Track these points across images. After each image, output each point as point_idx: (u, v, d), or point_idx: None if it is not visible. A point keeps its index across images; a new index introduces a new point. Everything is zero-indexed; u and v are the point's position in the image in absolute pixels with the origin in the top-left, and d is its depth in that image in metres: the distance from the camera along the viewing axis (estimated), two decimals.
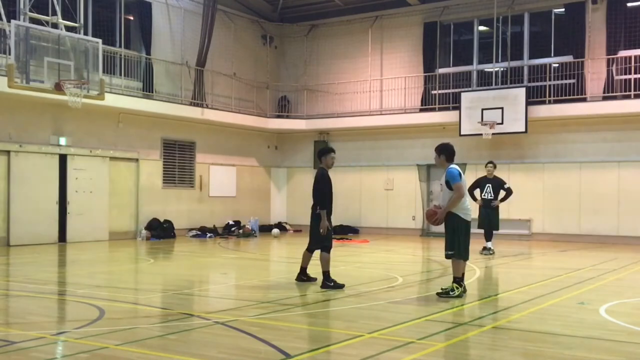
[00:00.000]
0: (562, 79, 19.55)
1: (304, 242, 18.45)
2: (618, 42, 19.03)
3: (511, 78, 20.37)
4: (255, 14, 23.96)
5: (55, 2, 14.51)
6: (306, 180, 24.03)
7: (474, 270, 11.94)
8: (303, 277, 9.97)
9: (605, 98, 18.84)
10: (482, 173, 15.64)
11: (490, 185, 14.89)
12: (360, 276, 11.10)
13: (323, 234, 9.51)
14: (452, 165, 8.78)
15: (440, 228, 9.03)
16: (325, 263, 9.53)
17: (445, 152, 8.89)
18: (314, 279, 9.94)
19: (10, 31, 13.22)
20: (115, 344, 5.94)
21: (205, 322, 7.01)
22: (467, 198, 8.93)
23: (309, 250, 9.91)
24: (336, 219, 23.13)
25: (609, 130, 19.03)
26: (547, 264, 13.73)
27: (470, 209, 8.84)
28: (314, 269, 10.02)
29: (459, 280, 8.69)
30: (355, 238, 20.34)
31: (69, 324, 7.29)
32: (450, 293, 8.60)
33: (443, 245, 8.96)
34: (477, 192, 15.17)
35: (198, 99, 20.66)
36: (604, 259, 14.31)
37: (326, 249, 9.59)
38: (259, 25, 24.05)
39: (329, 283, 9.44)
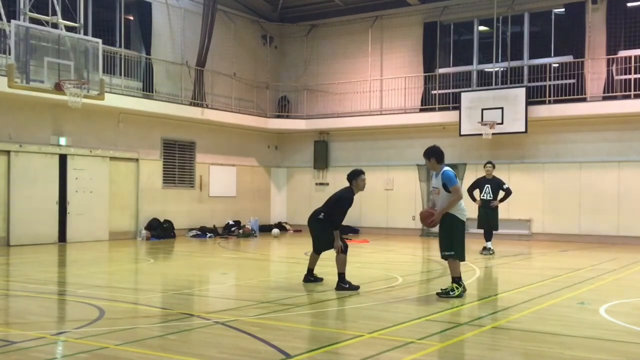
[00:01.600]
0: (562, 79, 19.55)
1: (303, 242, 18.52)
2: (618, 42, 19.03)
3: (511, 78, 20.37)
4: (255, 14, 23.96)
5: (55, 2, 14.50)
6: (306, 180, 24.06)
7: (474, 270, 11.95)
8: (310, 277, 9.92)
9: (605, 98, 18.84)
10: (482, 173, 15.63)
11: (489, 185, 14.89)
12: (360, 276, 11.08)
13: (337, 253, 9.39)
14: (446, 167, 8.79)
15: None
16: (341, 264, 9.40)
17: (435, 155, 8.89)
18: (321, 279, 9.92)
19: (10, 31, 13.21)
20: (115, 344, 5.94)
21: (205, 322, 7.01)
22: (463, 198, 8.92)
23: (317, 252, 9.85)
24: None
25: (609, 130, 19.03)
26: (547, 264, 13.73)
27: (466, 209, 8.84)
28: (322, 269, 10.02)
29: (458, 279, 8.69)
30: (355, 238, 20.32)
31: (69, 324, 7.29)
32: (451, 293, 8.60)
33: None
34: (476, 192, 15.17)
35: (198, 99, 20.65)
36: (604, 259, 14.31)
37: (343, 249, 9.48)
38: (259, 25, 24.05)
39: (343, 285, 9.27)
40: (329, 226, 9.46)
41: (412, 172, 21.82)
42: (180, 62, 20.69)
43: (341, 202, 9.51)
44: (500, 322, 7.21)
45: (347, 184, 9.86)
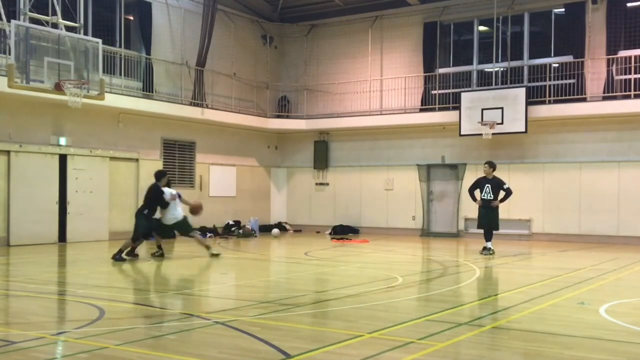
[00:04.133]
0: (562, 79, 19.54)
1: (304, 242, 18.55)
2: (618, 42, 19.02)
3: (511, 78, 20.36)
4: (255, 14, 23.96)
5: (55, 2, 14.50)
6: (306, 180, 24.06)
7: (474, 270, 11.95)
8: (123, 256, 13.01)
9: (605, 98, 18.83)
10: (482, 173, 15.64)
11: (489, 185, 14.87)
12: (361, 276, 11.10)
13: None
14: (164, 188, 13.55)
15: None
16: (126, 245, 13.11)
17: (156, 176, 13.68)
18: (136, 256, 13.30)
19: (10, 31, 13.21)
20: (115, 344, 5.94)
21: (205, 322, 7.01)
22: (173, 209, 13.70)
23: (136, 240, 13.37)
24: (336, 219, 23.33)
25: (609, 130, 19.02)
26: (547, 264, 13.74)
27: (172, 218, 13.77)
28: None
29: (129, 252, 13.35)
30: (355, 238, 20.33)
31: (69, 324, 7.29)
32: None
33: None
34: (477, 192, 15.16)
35: (198, 99, 20.65)
36: (604, 259, 14.31)
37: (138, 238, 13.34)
38: (259, 25, 24.04)
39: (118, 255, 12.85)
40: (147, 216, 13.38)
41: (412, 172, 21.81)
42: (180, 62, 20.69)
43: (157, 194, 13.34)
44: (500, 322, 7.22)
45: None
